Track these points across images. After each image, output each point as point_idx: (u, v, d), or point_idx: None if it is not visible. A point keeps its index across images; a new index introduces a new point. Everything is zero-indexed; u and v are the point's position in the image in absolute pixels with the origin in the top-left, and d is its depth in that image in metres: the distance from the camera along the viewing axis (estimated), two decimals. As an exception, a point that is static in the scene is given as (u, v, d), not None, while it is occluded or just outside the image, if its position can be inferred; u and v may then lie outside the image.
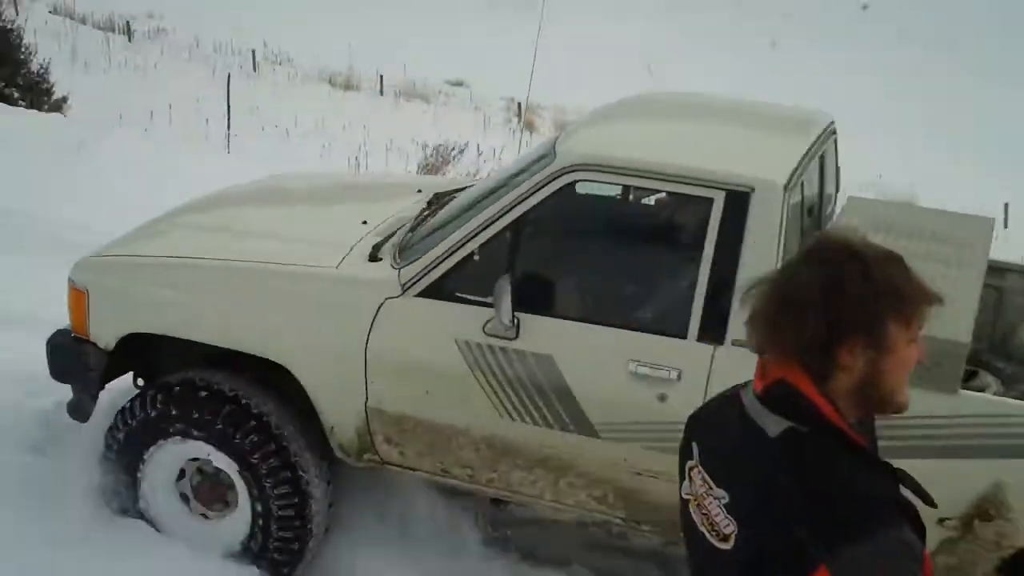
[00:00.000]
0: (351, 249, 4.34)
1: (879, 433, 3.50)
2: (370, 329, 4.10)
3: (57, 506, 4.48)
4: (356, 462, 4.36)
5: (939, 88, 30.52)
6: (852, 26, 34.72)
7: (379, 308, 4.11)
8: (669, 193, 4.05)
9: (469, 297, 4.01)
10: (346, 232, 4.50)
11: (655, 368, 3.86)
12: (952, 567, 3.78)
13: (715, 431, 2.16)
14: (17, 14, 22.48)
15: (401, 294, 4.10)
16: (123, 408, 4.39)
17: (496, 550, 4.76)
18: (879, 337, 1.96)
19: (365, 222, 4.60)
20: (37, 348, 4.65)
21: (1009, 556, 3.71)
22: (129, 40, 26.83)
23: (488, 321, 3.94)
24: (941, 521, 3.70)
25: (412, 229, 4.43)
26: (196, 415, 4.27)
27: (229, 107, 17.74)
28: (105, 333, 4.40)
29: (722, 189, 3.81)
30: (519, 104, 24.30)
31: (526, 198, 3.97)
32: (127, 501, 4.49)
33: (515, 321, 3.92)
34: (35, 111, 15.71)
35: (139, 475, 4.45)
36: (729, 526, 1.97)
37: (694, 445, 2.16)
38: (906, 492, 2.05)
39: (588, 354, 3.95)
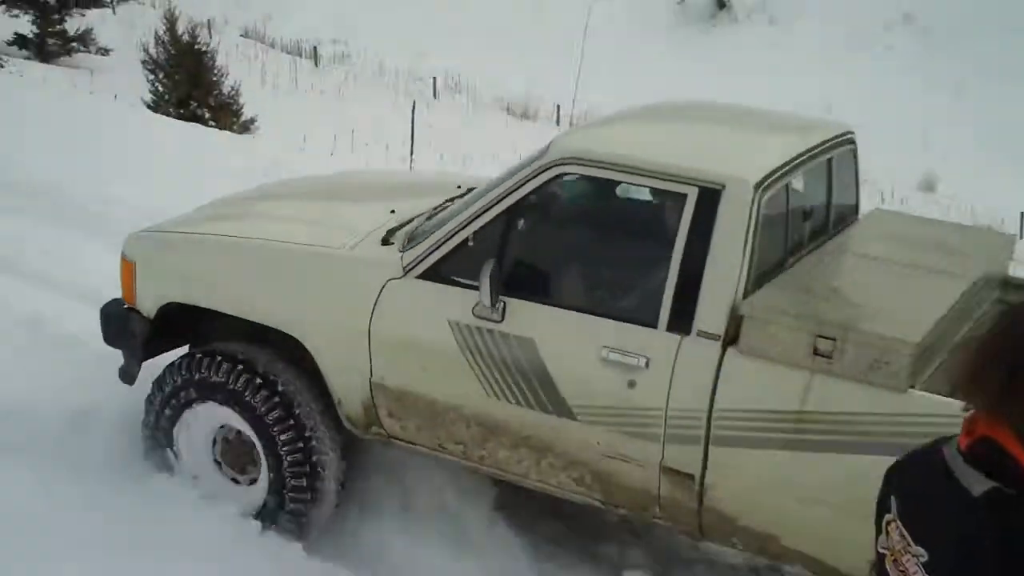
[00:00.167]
0: (369, 234, 4.66)
1: (827, 428, 3.64)
2: (374, 307, 4.41)
3: (99, 467, 4.93)
4: (364, 434, 4.66)
5: None
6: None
7: (382, 288, 4.41)
8: (657, 190, 4.20)
9: (462, 281, 4.27)
10: (372, 220, 4.82)
11: (625, 355, 4.04)
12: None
13: (915, 485, 2.10)
14: (211, 37, 23.81)
15: (403, 275, 4.40)
16: (158, 377, 4.81)
17: (504, 534, 4.95)
18: None
19: (393, 211, 4.91)
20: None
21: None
22: (315, 65, 28.07)
23: (476, 304, 4.19)
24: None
25: (429, 218, 4.72)
26: (220, 383, 4.65)
27: (413, 133, 18.13)
28: (147, 302, 4.85)
29: (695, 185, 3.98)
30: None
31: (517, 188, 4.22)
32: (164, 462, 4.89)
33: (501, 305, 4.17)
34: (225, 131, 16.66)
35: (174, 438, 4.86)
36: None
37: (892, 498, 2.10)
38: None
39: (565, 339, 4.15)
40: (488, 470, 4.51)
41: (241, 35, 28.63)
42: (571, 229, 4.59)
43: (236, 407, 4.67)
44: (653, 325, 4.02)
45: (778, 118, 4.97)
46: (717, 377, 3.92)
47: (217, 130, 16.62)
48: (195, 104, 20.42)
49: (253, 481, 4.84)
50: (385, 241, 4.59)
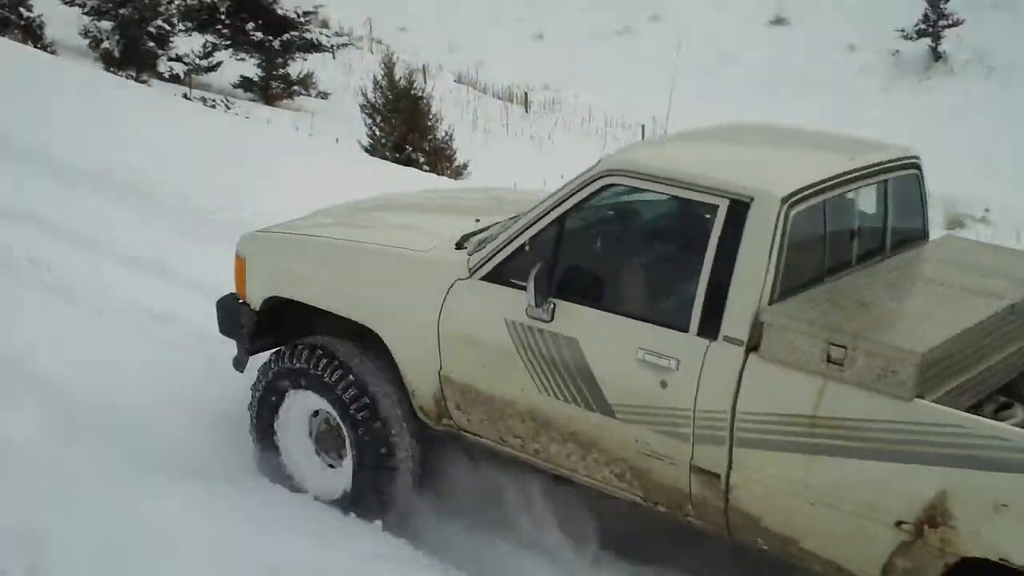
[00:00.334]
0: (448, 240, 5.06)
1: (838, 434, 3.80)
2: (442, 304, 4.81)
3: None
4: (436, 426, 5.04)
5: None
6: None
7: (450, 287, 4.80)
8: (684, 199, 4.45)
9: (519, 283, 4.61)
10: (458, 228, 5.22)
11: (658, 356, 4.30)
12: (907, 570, 3.92)
13: None
14: (426, 83, 24.84)
15: (468, 276, 4.78)
16: (262, 365, 5.34)
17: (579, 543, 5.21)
18: None
19: (478, 220, 5.30)
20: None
21: (953, 564, 3.81)
22: (526, 111, 28.86)
23: (528, 305, 4.54)
24: (898, 524, 3.87)
25: (503, 226, 5.09)
26: (311, 373, 5.13)
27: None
28: (254, 296, 5.40)
29: (726, 197, 4.22)
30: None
31: (568, 198, 4.56)
32: (267, 444, 5.40)
33: (550, 306, 4.50)
34: (439, 175, 17.39)
35: (275, 422, 5.36)
36: None
37: None
38: None
39: (606, 339, 4.44)
40: (544, 464, 4.81)
41: (455, 80, 29.71)
42: (615, 237, 4.88)
43: (325, 395, 5.13)
44: (685, 329, 4.26)
45: (836, 140, 5.12)
46: (740, 381, 4.13)
47: (431, 174, 17.32)
48: (410, 148, 21.27)
49: (341, 464, 5.26)
50: (459, 245, 4.98)
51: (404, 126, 21.18)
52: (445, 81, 28.49)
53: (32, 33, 25.86)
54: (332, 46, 32.28)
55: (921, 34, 30.17)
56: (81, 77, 15.96)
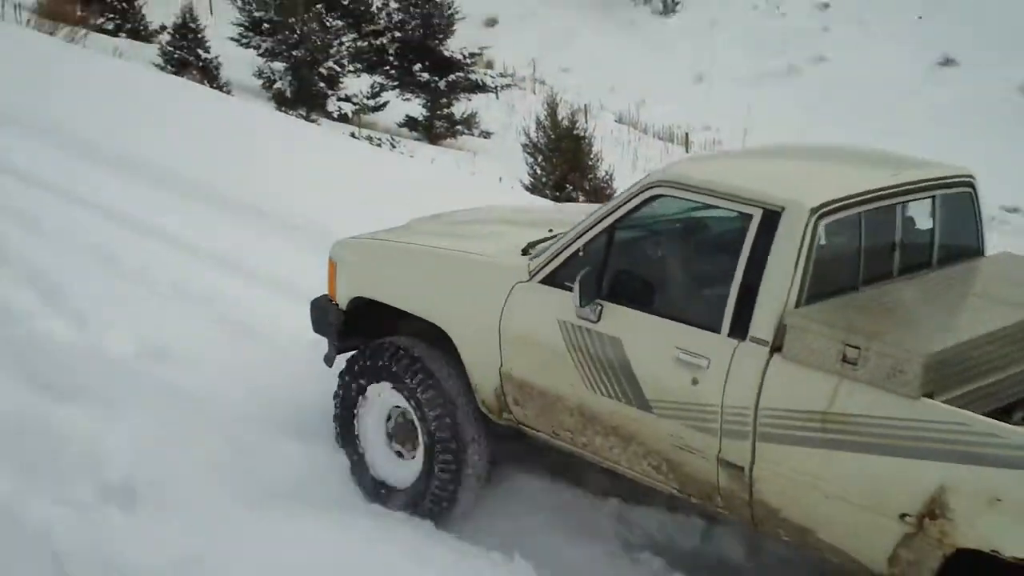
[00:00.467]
0: (516, 247, 5.46)
1: (850, 429, 4.03)
2: (503, 305, 5.20)
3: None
4: (498, 419, 5.42)
5: None
6: None
7: (511, 289, 5.19)
8: (723, 209, 4.74)
9: (571, 286, 4.96)
10: (531, 237, 5.60)
11: (692, 355, 4.60)
12: (911, 562, 4.10)
13: None
14: (587, 122, 25.27)
15: (528, 280, 5.16)
16: (348, 361, 5.81)
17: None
18: None
19: (551, 230, 5.67)
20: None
21: (950, 555, 3.99)
22: (687, 151, 29.05)
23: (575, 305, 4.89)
24: (902, 517, 4.07)
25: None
26: (388, 368, 5.57)
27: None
28: (342, 296, 5.89)
29: (759, 207, 4.51)
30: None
31: (619, 207, 4.91)
32: (346, 435, 5.85)
33: (598, 308, 4.84)
34: None
35: (356, 412, 5.81)
36: None
37: None
38: None
39: (646, 339, 4.76)
40: (592, 457, 5.14)
41: (616, 120, 30.15)
42: (659, 244, 5.17)
43: (401, 391, 5.56)
44: (717, 330, 4.55)
45: (887, 158, 5.32)
46: (763, 379, 4.39)
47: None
48: (571, 187, 21.72)
49: (414, 456, 5.68)
50: (525, 252, 5.37)
51: (565, 165, 21.58)
52: (606, 121, 28.96)
53: (209, 74, 27.36)
54: (496, 87, 33.11)
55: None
56: (261, 118, 16.57)
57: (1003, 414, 4.32)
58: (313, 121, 25.82)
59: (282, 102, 29.20)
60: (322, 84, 30.28)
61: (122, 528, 4.98)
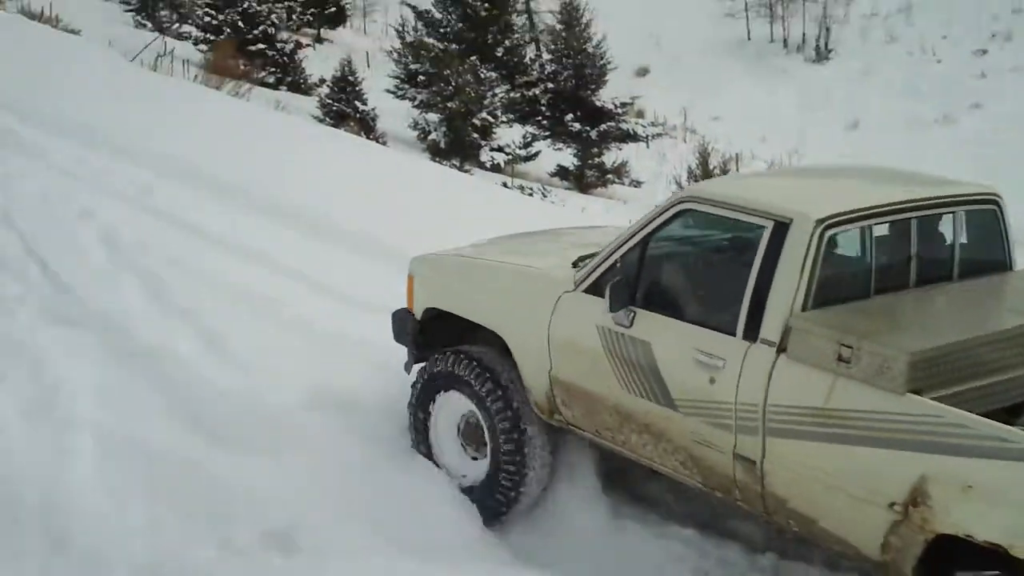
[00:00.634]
0: (568, 261, 5.91)
1: (843, 423, 4.37)
2: (552, 313, 5.65)
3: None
4: (549, 420, 5.85)
5: None
6: None
7: (559, 299, 5.65)
8: (741, 221, 5.10)
9: (610, 294, 5.38)
10: (585, 252, 6.04)
11: (710, 357, 4.97)
12: (899, 548, 4.38)
13: None
14: (738, 171, 25.40)
15: (573, 290, 5.61)
16: (420, 369, 6.34)
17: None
18: None
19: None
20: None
21: (930, 541, 4.26)
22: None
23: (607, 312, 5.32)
24: (891, 505, 4.36)
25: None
26: (459, 376, 6.06)
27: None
28: (417, 307, 6.43)
29: (771, 219, 4.87)
30: None
31: (651, 221, 5.33)
32: (421, 438, 6.36)
33: (631, 314, 5.26)
34: None
35: (429, 419, 6.31)
36: None
37: None
38: None
39: (672, 342, 5.15)
40: (629, 454, 5.52)
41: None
42: (684, 255, 5.54)
43: (470, 396, 6.05)
44: (733, 333, 4.92)
45: (910, 176, 5.61)
46: (770, 377, 4.74)
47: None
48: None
49: (481, 457, 6.14)
50: (575, 264, 5.81)
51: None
52: (758, 169, 29.10)
53: (366, 125, 28.54)
54: (647, 136, 33.55)
55: None
56: (417, 168, 16.96)
57: (1009, 415, 4.56)
58: (466, 171, 26.51)
59: (436, 153, 30.14)
60: (475, 135, 31.19)
61: (283, 574, 5.18)
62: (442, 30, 35.18)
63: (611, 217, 21.03)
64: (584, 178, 30.09)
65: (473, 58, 33.09)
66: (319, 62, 32.78)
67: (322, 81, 31.58)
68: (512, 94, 34.67)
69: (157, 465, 5.85)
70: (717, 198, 5.17)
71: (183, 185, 11.37)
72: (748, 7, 41.25)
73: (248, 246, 9.61)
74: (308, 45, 37.01)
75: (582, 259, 5.88)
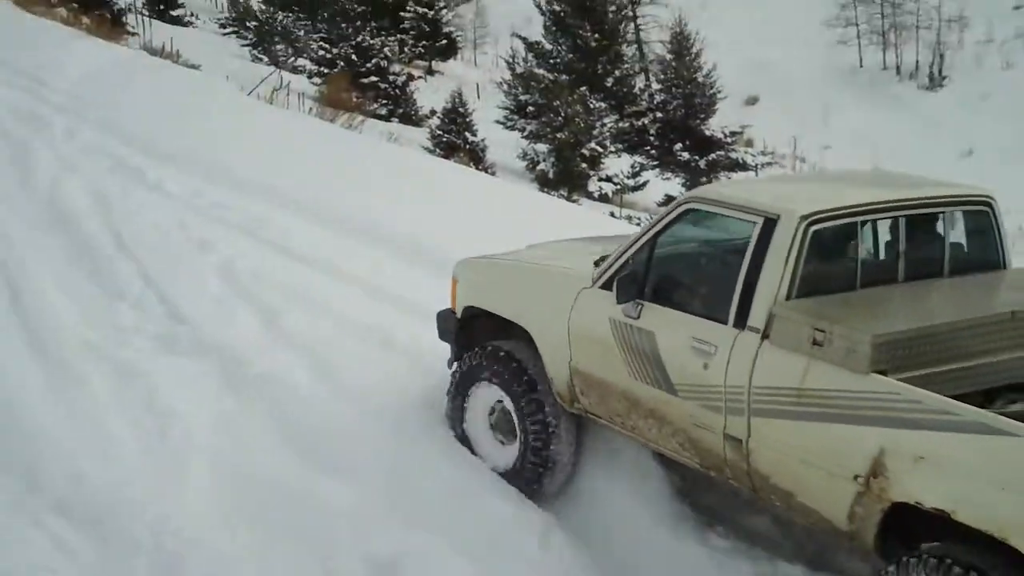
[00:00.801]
0: (590, 260, 6.35)
1: (816, 402, 4.74)
2: (571, 308, 6.10)
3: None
4: (570, 408, 6.28)
5: None
6: None
7: (578, 294, 6.09)
8: (736, 219, 5.48)
9: (622, 288, 5.81)
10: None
11: (703, 344, 5.36)
12: (862, 517, 4.72)
13: None
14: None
15: (591, 286, 6.05)
16: (457, 363, 6.83)
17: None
18: None
19: None
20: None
21: (887, 509, 4.59)
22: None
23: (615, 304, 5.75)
24: (855, 477, 4.70)
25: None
26: (492, 368, 6.54)
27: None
28: (459, 306, 6.94)
29: (761, 216, 5.26)
30: None
31: (659, 222, 5.75)
32: (457, 424, 6.86)
33: (639, 307, 5.68)
34: None
35: (465, 406, 6.80)
36: None
37: None
38: None
39: (672, 331, 5.55)
40: (638, 438, 5.92)
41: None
42: (687, 251, 5.92)
43: (502, 387, 6.52)
44: (725, 322, 5.31)
45: (903, 179, 5.93)
46: (755, 361, 5.12)
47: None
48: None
49: (512, 444, 6.59)
50: (596, 263, 6.25)
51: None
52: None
53: (475, 156, 29.22)
54: (756, 164, 33.57)
55: None
56: (526, 198, 17.02)
57: (984, 399, 4.86)
58: (574, 201, 26.90)
59: (544, 183, 30.62)
60: (584, 165, 31.66)
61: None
62: (552, 61, 35.86)
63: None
64: (691, 206, 30.25)
65: (583, 88, 33.59)
66: (430, 94, 33.70)
67: (433, 113, 32.41)
68: (621, 124, 35.09)
69: (268, 492, 6.08)
70: (716, 198, 5.58)
71: (297, 217, 11.56)
72: (860, 34, 41.08)
73: (360, 277, 9.58)
74: (419, 77, 38.07)
75: (603, 258, 6.30)
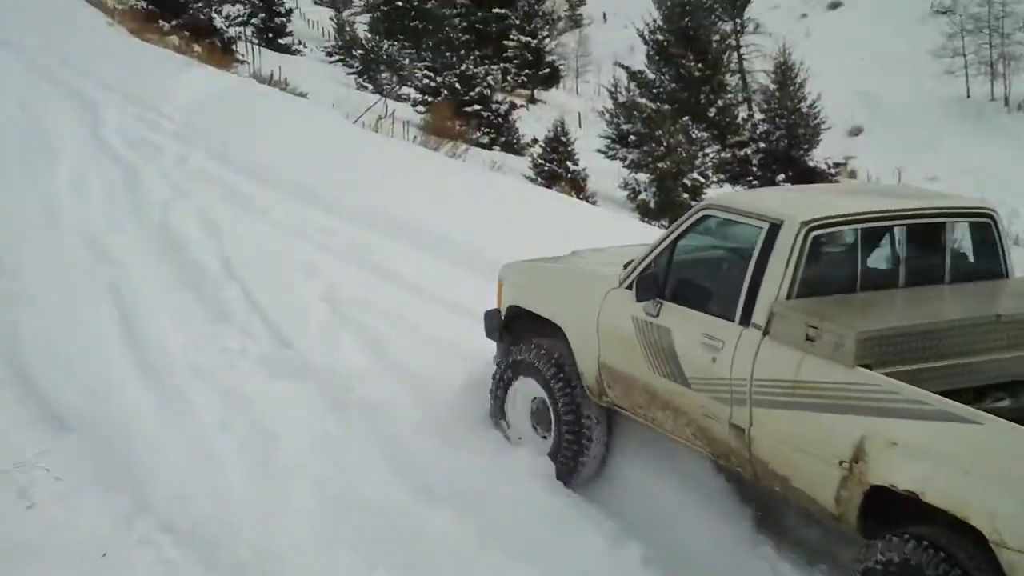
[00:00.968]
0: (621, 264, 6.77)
1: (807, 393, 5.11)
2: (600, 307, 6.52)
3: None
4: (599, 401, 6.68)
5: None
6: None
7: (606, 295, 6.52)
8: (746, 225, 5.86)
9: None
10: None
11: (712, 339, 5.75)
12: (846, 500, 5.04)
13: None
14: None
15: (618, 287, 6.47)
16: (499, 361, 7.29)
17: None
18: None
19: None
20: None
21: (867, 491, 4.91)
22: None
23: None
24: (841, 463, 5.04)
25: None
26: (531, 364, 6.98)
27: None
28: (503, 306, 7.41)
29: (767, 221, 5.64)
30: None
31: (678, 227, 6.16)
32: (499, 418, 7.31)
33: (659, 305, 6.09)
34: None
35: (506, 401, 7.25)
36: None
37: None
38: None
39: (686, 328, 5.94)
40: (658, 428, 6.30)
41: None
42: (701, 255, 6.29)
43: (539, 382, 6.97)
44: (732, 319, 5.68)
45: (912, 192, 6.21)
46: (756, 355, 5.48)
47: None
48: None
49: (549, 435, 7.02)
50: (625, 266, 6.66)
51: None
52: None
53: (577, 185, 29.62)
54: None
55: None
56: (627, 228, 16.40)
57: (975, 396, 5.16)
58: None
59: (645, 212, 30.86)
60: (685, 195, 31.80)
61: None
62: (655, 90, 36.19)
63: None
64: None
65: (685, 118, 33.82)
66: (532, 122, 34.28)
67: (534, 141, 32.93)
68: (723, 154, 35.23)
69: (371, 517, 6.16)
70: (729, 205, 5.98)
71: (401, 243, 11.74)
72: (968, 64, 40.59)
73: (463, 304, 9.45)
74: (522, 106, 38.77)
75: (631, 261, 6.72)
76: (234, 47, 35.41)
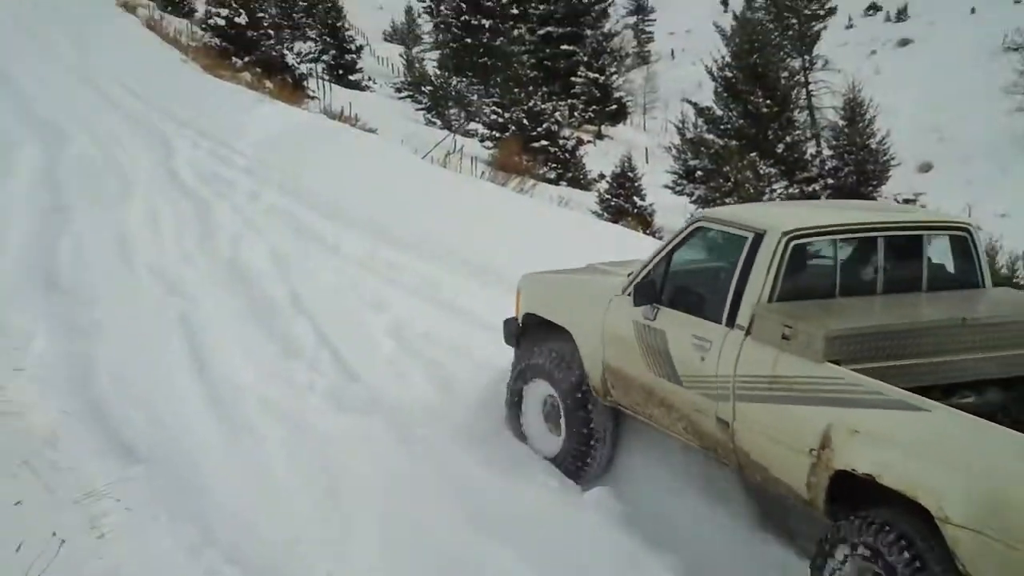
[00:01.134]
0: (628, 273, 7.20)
1: (782, 387, 5.51)
2: (605, 312, 6.96)
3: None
4: (604, 401, 7.08)
5: None
6: None
7: (611, 300, 6.95)
8: (734, 235, 6.27)
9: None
10: None
11: (701, 340, 6.15)
12: (815, 485, 5.40)
13: None
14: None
15: (621, 294, 6.90)
16: (513, 363, 7.74)
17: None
18: None
19: None
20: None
21: (832, 476, 5.28)
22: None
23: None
24: (811, 451, 5.41)
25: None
26: (543, 365, 7.42)
27: None
28: (520, 314, 7.86)
29: (752, 231, 6.06)
30: None
31: (675, 239, 6.59)
32: (514, 418, 7.75)
33: (656, 310, 6.51)
34: None
35: (520, 402, 7.67)
36: None
37: None
38: None
39: (678, 330, 6.35)
40: (655, 425, 6.69)
41: None
42: (694, 264, 6.70)
43: (550, 384, 7.41)
44: (719, 322, 6.09)
45: (893, 208, 6.57)
46: (739, 353, 5.89)
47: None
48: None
49: (559, 434, 7.43)
50: (630, 275, 7.09)
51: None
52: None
53: (643, 220, 29.88)
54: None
55: None
56: None
57: (944, 394, 5.51)
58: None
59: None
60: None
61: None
62: (722, 126, 36.38)
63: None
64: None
65: (753, 154, 33.93)
66: (599, 158, 34.63)
67: (601, 176, 33.30)
68: (791, 190, 35.22)
69: (436, 555, 6.19)
70: (720, 217, 6.43)
71: (469, 279, 11.81)
72: (1041, 101, 40.30)
73: None
74: (589, 141, 39.23)
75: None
76: (305, 83, 36.20)
